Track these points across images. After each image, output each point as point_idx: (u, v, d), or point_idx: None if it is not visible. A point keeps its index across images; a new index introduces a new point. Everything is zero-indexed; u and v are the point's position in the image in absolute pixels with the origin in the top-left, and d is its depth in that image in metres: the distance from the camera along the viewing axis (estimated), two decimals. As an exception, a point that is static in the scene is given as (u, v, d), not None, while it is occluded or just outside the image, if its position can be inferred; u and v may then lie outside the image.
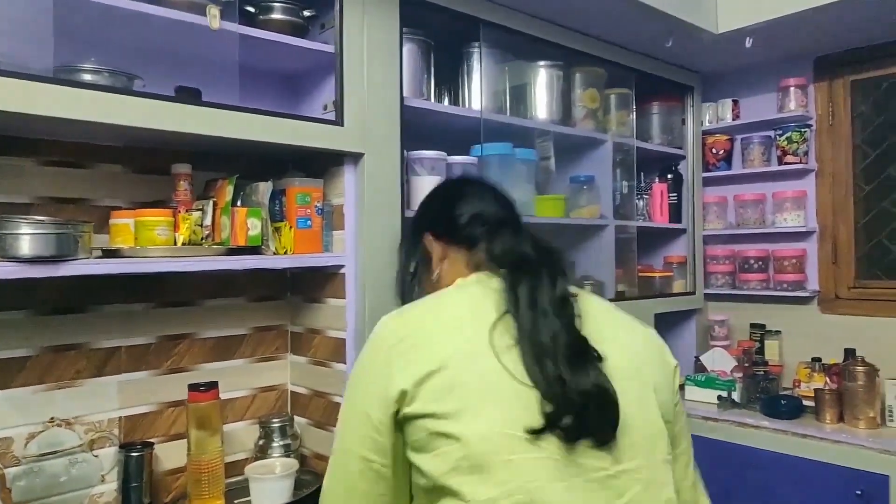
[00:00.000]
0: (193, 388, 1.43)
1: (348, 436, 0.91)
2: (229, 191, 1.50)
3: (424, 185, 1.81)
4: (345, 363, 1.61)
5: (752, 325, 2.65)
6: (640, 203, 2.63)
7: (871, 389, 2.06)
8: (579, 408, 0.83)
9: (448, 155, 1.87)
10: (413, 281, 1.20)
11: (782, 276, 2.57)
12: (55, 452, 1.39)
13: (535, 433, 0.82)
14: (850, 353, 2.22)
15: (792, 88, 2.53)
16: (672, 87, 2.70)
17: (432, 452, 0.83)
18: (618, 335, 0.98)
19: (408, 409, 0.85)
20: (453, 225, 1.11)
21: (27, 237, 1.15)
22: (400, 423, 0.86)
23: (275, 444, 1.62)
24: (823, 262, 2.54)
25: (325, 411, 1.67)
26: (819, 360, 2.33)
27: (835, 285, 2.51)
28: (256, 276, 1.73)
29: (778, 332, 2.58)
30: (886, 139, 2.45)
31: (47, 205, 1.41)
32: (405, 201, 1.70)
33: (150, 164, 1.54)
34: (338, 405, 1.62)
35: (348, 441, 0.91)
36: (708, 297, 2.78)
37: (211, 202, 1.50)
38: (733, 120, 2.69)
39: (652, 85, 2.57)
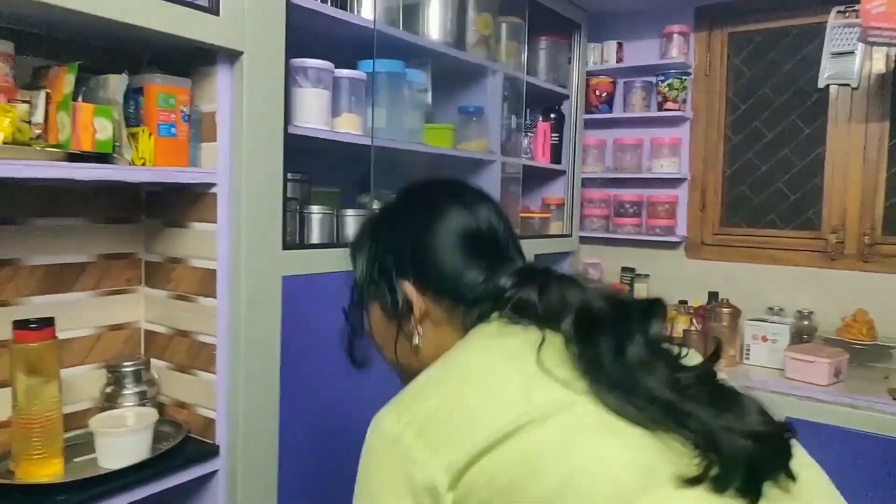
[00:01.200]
0: (20, 325, 1.16)
1: None
2: (68, 81, 1.20)
3: (307, 98, 1.60)
4: (214, 297, 1.39)
5: (623, 269, 2.72)
6: (525, 141, 2.57)
7: (734, 330, 2.17)
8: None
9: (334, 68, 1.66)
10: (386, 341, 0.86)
11: (655, 222, 2.65)
12: None
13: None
14: (713, 297, 2.33)
15: (675, 35, 2.56)
16: (561, 23, 2.63)
17: None
18: None
19: None
20: (456, 279, 0.79)
21: None
22: None
23: (126, 392, 1.38)
24: (692, 209, 2.64)
25: (188, 352, 1.45)
26: (685, 302, 2.43)
27: (701, 232, 2.62)
28: (102, 191, 1.44)
29: (647, 275, 2.67)
30: (756, 92, 2.56)
31: None
32: (288, 114, 1.48)
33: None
34: (205, 345, 1.40)
35: None
36: (583, 239, 2.81)
37: (43, 94, 1.19)
38: (617, 63, 2.69)
39: (541, 19, 2.48)
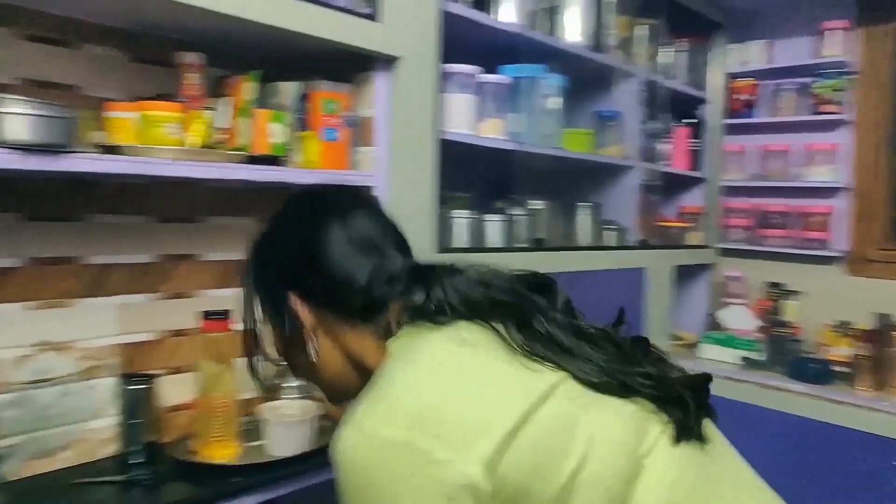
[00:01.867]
0: (207, 315, 1.25)
1: None
2: (249, 88, 1.29)
3: (455, 103, 1.63)
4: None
5: (770, 284, 2.56)
6: (663, 147, 2.49)
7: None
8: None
9: (476, 73, 1.69)
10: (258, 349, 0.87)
11: (806, 234, 2.47)
12: (46, 380, 1.20)
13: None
14: (883, 318, 2.13)
15: (832, 31, 2.39)
16: (700, 24, 2.54)
17: None
18: None
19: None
20: (338, 288, 0.77)
21: (21, 118, 0.93)
22: None
23: (288, 385, 1.45)
24: (854, 222, 2.43)
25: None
26: (847, 323, 2.24)
27: (864, 246, 2.41)
28: (267, 193, 1.53)
29: (797, 292, 2.49)
30: (926, 91, 2.34)
31: (29, 88, 1.18)
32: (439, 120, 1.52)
33: (150, 52, 1.32)
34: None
35: None
36: (724, 251, 2.67)
37: (228, 100, 1.29)
38: (763, 64, 2.55)
39: (678, 20, 2.41)
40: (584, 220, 2.10)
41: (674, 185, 2.66)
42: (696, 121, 2.58)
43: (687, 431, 0.68)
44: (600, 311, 2.09)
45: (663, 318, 2.29)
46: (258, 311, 0.85)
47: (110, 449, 1.27)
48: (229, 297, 1.47)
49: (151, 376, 1.27)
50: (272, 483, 1.22)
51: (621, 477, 0.63)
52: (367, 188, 1.44)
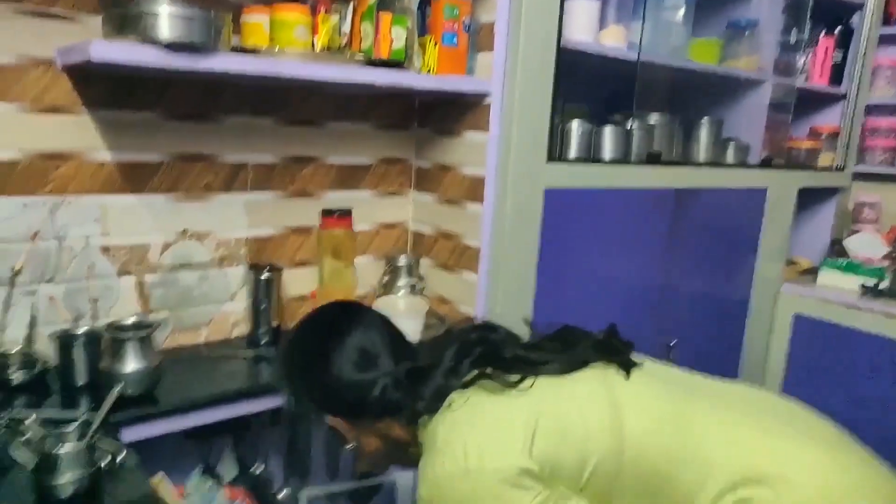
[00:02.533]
0: (327, 213, 1.33)
1: None
2: (373, -8, 1.30)
3: (577, 10, 1.57)
4: (480, 203, 1.46)
5: (910, 211, 2.37)
6: (801, 60, 2.29)
7: None
8: None
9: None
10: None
11: (957, 157, 2.24)
12: (188, 265, 1.34)
13: None
14: None
15: None
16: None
17: None
18: None
19: None
20: (360, 406, 0.92)
21: (170, 17, 1.00)
22: None
23: (400, 283, 1.54)
24: None
25: (453, 253, 1.56)
26: None
27: None
28: (383, 99, 1.57)
29: (940, 219, 2.29)
30: None
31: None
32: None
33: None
34: (469, 247, 1.50)
35: None
36: (859, 175, 2.48)
37: (351, 5, 1.31)
38: (934, -36, 2.24)
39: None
40: (704, 136, 2.00)
41: (809, 102, 2.45)
42: (842, 29, 2.33)
43: (628, 365, 0.93)
44: (716, 231, 2.02)
45: (781, 241, 2.19)
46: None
47: (241, 330, 1.41)
48: (348, 198, 1.55)
49: (277, 268, 1.38)
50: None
51: (611, 418, 0.84)
52: (482, 95, 1.44)
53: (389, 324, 1.01)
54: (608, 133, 1.71)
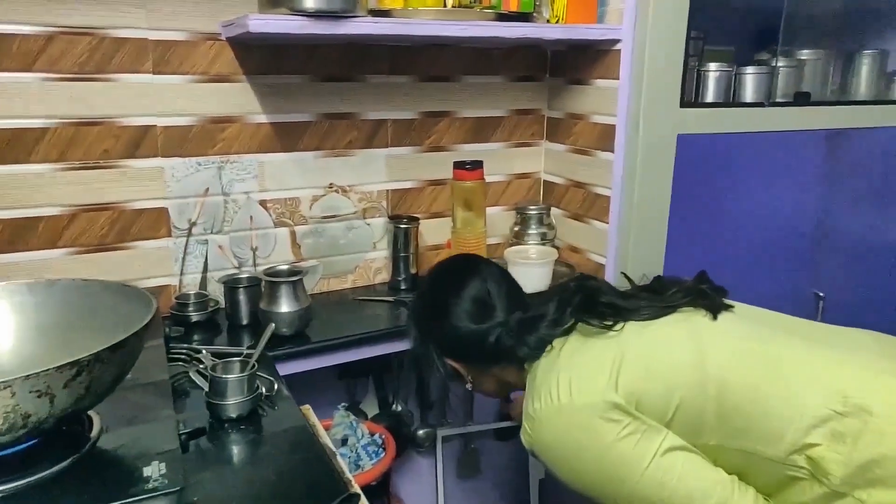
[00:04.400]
0: (459, 165, 1.39)
1: None
2: (502, -55, 1.31)
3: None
4: (612, 152, 1.46)
5: None
6: None
7: None
8: None
9: None
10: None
11: None
12: (334, 217, 1.46)
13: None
14: None
15: None
16: None
17: None
18: None
19: None
20: (477, 351, 1.00)
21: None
22: None
23: (531, 232, 1.58)
24: None
25: (584, 202, 1.57)
26: None
27: None
28: (515, 51, 1.59)
29: None
30: None
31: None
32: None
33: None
34: (600, 196, 1.50)
35: None
36: None
37: (486, -41, 1.33)
38: None
39: None
40: (865, 71, 1.83)
41: None
42: None
43: (716, 308, 0.96)
44: (879, 175, 1.85)
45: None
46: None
47: (383, 276, 1.53)
48: (480, 151, 1.60)
49: (415, 218, 1.47)
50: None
51: (695, 355, 0.88)
52: (612, 41, 1.41)
53: (507, 275, 1.08)
54: (750, 74, 1.63)
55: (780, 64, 1.67)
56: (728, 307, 0.97)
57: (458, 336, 1.01)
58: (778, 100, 1.66)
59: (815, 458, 0.80)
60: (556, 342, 0.95)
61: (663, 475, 0.83)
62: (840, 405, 0.81)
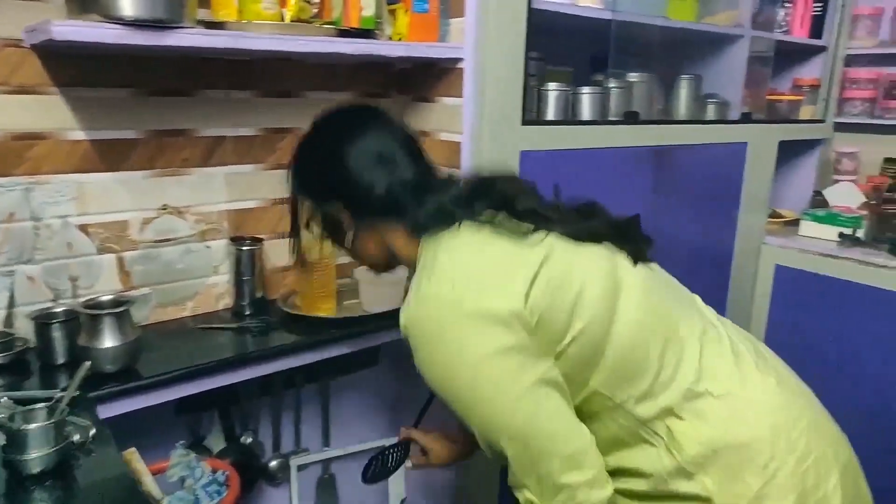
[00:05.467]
0: (303, 183, 1.34)
1: None
2: (341, -40, 1.29)
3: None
4: (458, 168, 1.48)
5: (887, 160, 2.38)
6: (781, 13, 2.28)
7: None
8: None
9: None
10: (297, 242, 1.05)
11: (936, 105, 2.25)
12: (169, 240, 1.35)
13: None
14: None
15: None
16: None
17: None
18: None
19: None
20: (366, 197, 0.92)
21: (129, -6, 1.00)
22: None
23: (382, 250, 1.55)
24: None
25: (433, 219, 1.57)
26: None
27: None
28: (362, 68, 1.57)
29: (921, 167, 2.31)
30: None
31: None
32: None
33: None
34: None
35: None
36: (838, 126, 2.48)
37: (320, -27, 1.30)
38: None
39: None
40: (684, 94, 2.00)
41: (790, 55, 2.45)
42: (823, -20, 2.32)
43: (639, 255, 0.94)
44: (699, 187, 2.03)
45: (763, 194, 2.21)
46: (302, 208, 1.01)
47: (225, 302, 1.44)
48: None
49: (258, 239, 1.40)
50: (365, 335, 1.35)
51: (609, 292, 0.86)
52: (454, 60, 1.44)
53: (415, 139, 1.00)
54: (586, 94, 1.72)
55: (611, 85, 1.78)
56: (648, 260, 0.96)
57: (347, 180, 0.92)
58: (611, 118, 1.77)
59: (673, 430, 0.83)
60: (465, 225, 0.87)
61: (535, 406, 0.79)
62: (715, 387, 0.84)
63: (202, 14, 1.25)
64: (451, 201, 0.90)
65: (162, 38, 1.06)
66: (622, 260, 0.92)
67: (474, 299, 0.79)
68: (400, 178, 0.92)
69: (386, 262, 1.02)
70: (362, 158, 0.92)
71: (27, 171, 1.19)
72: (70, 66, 1.20)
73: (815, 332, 2.07)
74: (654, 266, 0.99)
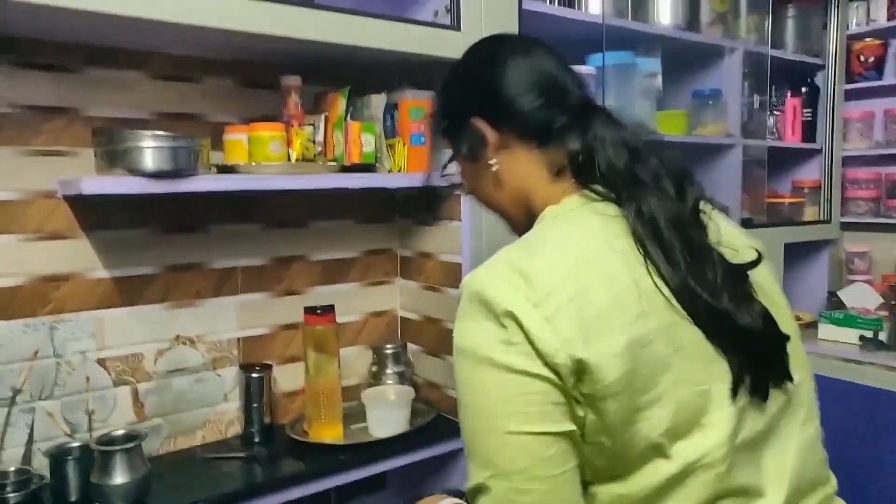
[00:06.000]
0: (310, 311, 1.40)
1: None
2: (341, 104, 1.41)
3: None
4: (458, 288, 1.52)
5: (899, 257, 2.39)
6: (771, 120, 2.38)
7: None
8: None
9: (566, 65, 1.71)
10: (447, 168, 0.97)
11: (937, 202, 2.28)
12: (182, 370, 1.40)
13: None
14: None
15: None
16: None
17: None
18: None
19: None
20: (514, 109, 0.82)
21: (151, 151, 1.11)
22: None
23: (388, 371, 1.58)
24: None
25: (437, 338, 1.61)
26: (979, 295, 2.06)
27: None
28: (365, 196, 1.66)
29: (928, 264, 2.31)
30: None
31: (161, 120, 1.37)
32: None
33: (259, 77, 1.47)
34: (451, 332, 1.55)
35: None
36: (845, 226, 2.51)
37: (323, 117, 1.42)
38: (888, 20, 2.35)
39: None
40: (682, 203, 2.07)
41: (786, 158, 2.53)
42: (807, 89, 2.43)
43: (756, 391, 0.73)
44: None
45: (773, 299, 2.21)
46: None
47: (235, 429, 1.46)
48: (335, 292, 1.62)
49: (268, 366, 1.45)
50: (374, 460, 1.36)
51: (687, 419, 0.69)
52: (452, 186, 1.52)
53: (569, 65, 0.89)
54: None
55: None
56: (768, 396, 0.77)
57: (511, 88, 0.82)
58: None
59: None
60: (600, 206, 0.76)
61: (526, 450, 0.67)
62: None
63: (217, 156, 1.37)
64: (652, 165, 0.77)
65: (179, 185, 1.16)
66: (726, 389, 0.72)
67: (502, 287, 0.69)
68: (561, 96, 0.83)
69: (526, 212, 0.87)
70: (522, 71, 0.83)
71: (52, 310, 1.26)
72: (96, 212, 1.30)
73: (838, 441, 2.00)
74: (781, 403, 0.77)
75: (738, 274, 0.76)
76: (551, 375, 0.67)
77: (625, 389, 0.67)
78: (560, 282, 0.69)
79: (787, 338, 0.77)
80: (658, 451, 0.69)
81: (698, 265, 0.72)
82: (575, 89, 0.84)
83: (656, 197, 0.75)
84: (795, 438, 0.78)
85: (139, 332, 1.36)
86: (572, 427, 0.68)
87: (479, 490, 0.70)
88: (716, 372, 0.71)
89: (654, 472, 0.70)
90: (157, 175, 1.13)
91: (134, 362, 1.35)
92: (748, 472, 0.73)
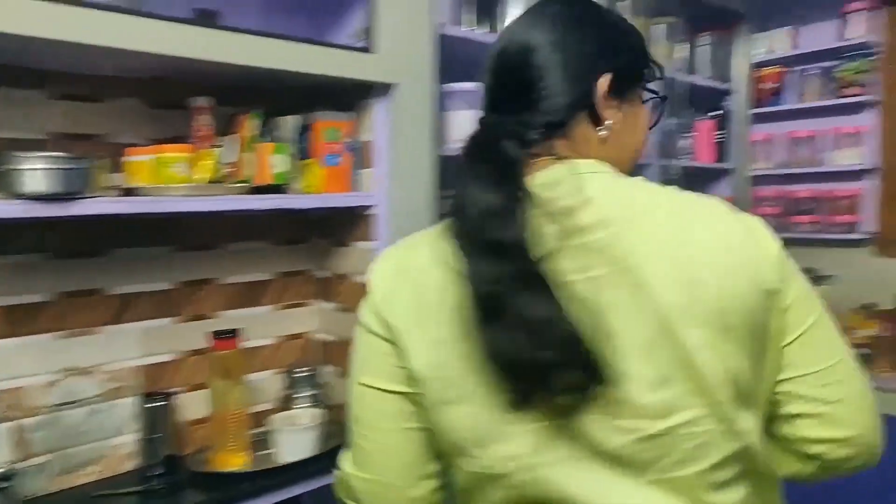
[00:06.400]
0: (216, 335, 1.35)
1: None
2: (253, 125, 1.38)
3: (459, 120, 1.68)
4: (376, 311, 1.50)
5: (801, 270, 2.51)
6: (685, 142, 2.47)
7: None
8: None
9: (485, 88, 1.73)
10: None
11: (834, 219, 2.43)
12: (74, 402, 1.32)
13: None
14: (907, 300, 2.08)
15: (855, 13, 2.32)
16: (721, 16, 2.49)
17: None
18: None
19: None
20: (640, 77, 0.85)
21: (31, 173, 1.04)
22: None
23: (301, 395, 1.54)
24: (883, 202, 2.37)
25: (354, 360, 1.58)
26: (873, 305, 2.20)
27: (893, 227, 2.35)
28: (281, 218, 1.62)
29: (828, 276, 2.44)
30: (960, 71, 2.25)
31: (60, 141, 1.29)
32: (438, 138, 1.57)
33: (168, 98, 1.42)
34: (368, 354, 1.52)
35: None
36: (754, 242, 2.63)
37: (236, 137, 1.38)
38: (788, 50, 2.49)
39: (699, 15, 2.37)
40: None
41: (700, 178, 2.63)
42: (721, 113, 2.54)
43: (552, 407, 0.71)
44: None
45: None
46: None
47: (132, 463, 1.39)
48: (247, 316, 1.57)
49: (169, 394, 1.38)
50: (279, 487, 1.32)
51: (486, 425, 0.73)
52: (367, 207, 1.50)
53: None
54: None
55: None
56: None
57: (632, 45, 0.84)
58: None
59: None
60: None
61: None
62: None
63: (119, 178, 1.31)
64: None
65: (67, 209, 1.10)
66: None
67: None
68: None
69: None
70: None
71: (-76, 342, 1.17)
72: (-23, 236, 1.22)
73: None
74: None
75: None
76: (391, 337, 0.77)
77: (433, 378, 0.73)
78: (390, 277, 0.84)
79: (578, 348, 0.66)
80: (460, 451, 0.74)
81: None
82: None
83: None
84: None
85: (26, 364, 1.27)
86: (407, 389, 0.76)
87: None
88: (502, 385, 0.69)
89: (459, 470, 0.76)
90: (43, 198, 1.06)
91: (17, 397, 1.27)
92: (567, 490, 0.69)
